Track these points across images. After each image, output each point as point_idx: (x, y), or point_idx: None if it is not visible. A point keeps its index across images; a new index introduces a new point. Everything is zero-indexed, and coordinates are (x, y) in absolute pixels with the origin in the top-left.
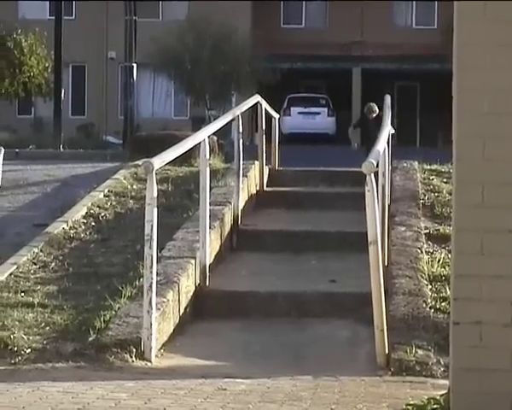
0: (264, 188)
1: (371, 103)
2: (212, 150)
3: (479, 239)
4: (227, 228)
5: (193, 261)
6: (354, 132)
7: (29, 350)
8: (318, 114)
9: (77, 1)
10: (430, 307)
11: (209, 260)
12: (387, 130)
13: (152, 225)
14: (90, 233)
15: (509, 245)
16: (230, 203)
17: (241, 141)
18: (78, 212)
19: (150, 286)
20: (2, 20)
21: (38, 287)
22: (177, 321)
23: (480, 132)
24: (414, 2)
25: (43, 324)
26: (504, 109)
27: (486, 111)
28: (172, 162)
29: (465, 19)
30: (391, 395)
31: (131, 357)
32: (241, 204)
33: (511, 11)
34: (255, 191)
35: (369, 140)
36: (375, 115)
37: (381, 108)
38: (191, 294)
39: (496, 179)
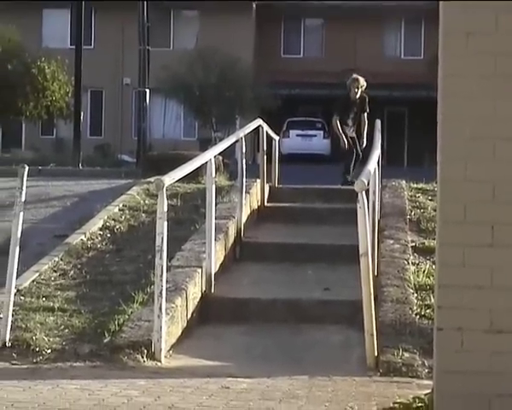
0: (265, 204)
1: (357, 76)
2: (217, 169)
3: (461, 252)
4: (231, 240)
5: (199, 270)
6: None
7: (49, 350)
8: (315, 136)
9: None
10: (416, 314)
11: (214, 269)
12: (378, 152)
13: (162, 237)
14: (106, 244)
15: (489, 258)
16: (234, 217)
17: (244, 160)
18: (95, 224)
19: (160, 293)
20: (28, 49)
21: (58, 293)
22: (185, 325)
23: (463, 156)
24: (402, 35)
25: (62, 326)
26: (484, 134)
27: (468, 136)
28: (181, 180)
29: (449, 52)
30: (380, 394)
31: (143, 357)
32: (244, 218)
33: (490, 45)
34: (257, 207)
35: (347, 128)
36: (359, 94)
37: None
38: (198, 300)
39: (476, 198)
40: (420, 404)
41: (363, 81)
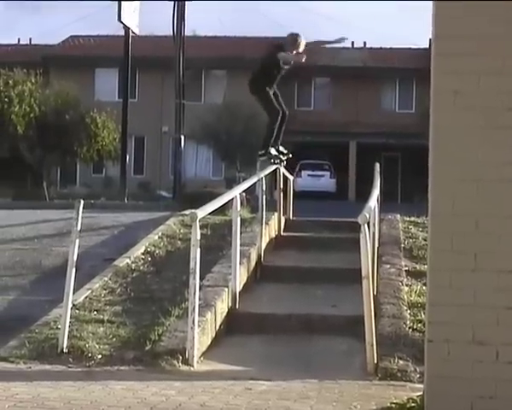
0: (282, 233)
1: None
2: (241, 204)
3: (448, 276)
4: (252, 264)
5: (226, 289)
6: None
7: (100, 356)
8: (323, 176)
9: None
10: (409, 328)
11: (239, 288)
12: (377, 191)
13: (195, 261)
14: (147, 266)
15: (471, 281)
16: (255, 245)
17: (264, 197)
18: (138, 250)
19: (193, 308)
20: (83, 101)
21: (107, 307)
22: (214, 336)
23: (450, 194)
24: (397, 92)
25: (110, 336)
26: (469, 176)
27: (455, 178)
28: (211, 212)
29: (439, 107)
30: (379, 395)
31: (178, 363)
32: (264, 245)
33: (474, 102)
34: (274, 236)
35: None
36: (294, 52)
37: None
38: (225, 314)
39: (461, 230)
40: (413, 404)
41: (302, 41)
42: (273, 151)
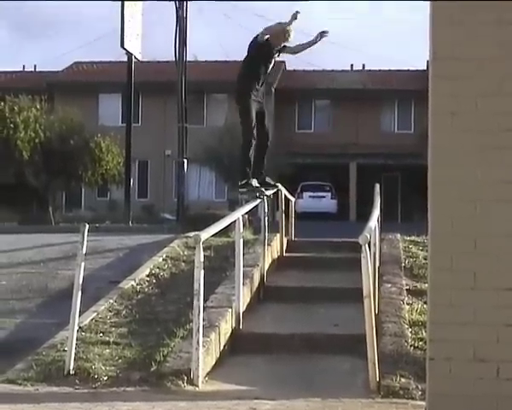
0: (284, 254)
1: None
2: (244, 225)
3: (448, 294)
4: (256, 284)
5: (230, 310)
6: None
7: (106, 377)
8: (324, 197)
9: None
10: (410, 346)
11: (242, 308)
12: (377, 211)
13: (199, 283)
14: (152, 288)
15: (471, 299)
16: (258, 266)
17: (266, 218)
18: (143, 272)
19: (198, 329)
20: (87, 126)
21: (113, 329)
22: (218, 356)
23: (450, 214)
24: (396, 113)
25: (116, 357)
26: (467, 197)
27: (454, 198)
28: (215, 234)
29: (437, 128)
30: None
31: (183, 383)
32: (266, 266)
33: (471, 123)
34: (277, 256)
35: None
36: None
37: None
38: (228, 335)
39: (461, 249)
40: None
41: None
42: (254, 182)
